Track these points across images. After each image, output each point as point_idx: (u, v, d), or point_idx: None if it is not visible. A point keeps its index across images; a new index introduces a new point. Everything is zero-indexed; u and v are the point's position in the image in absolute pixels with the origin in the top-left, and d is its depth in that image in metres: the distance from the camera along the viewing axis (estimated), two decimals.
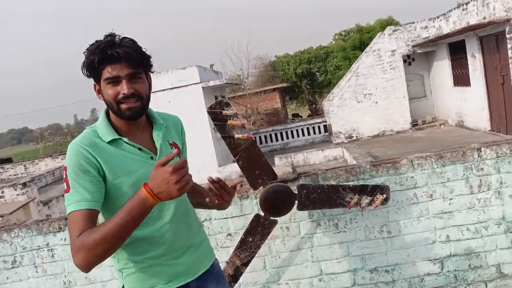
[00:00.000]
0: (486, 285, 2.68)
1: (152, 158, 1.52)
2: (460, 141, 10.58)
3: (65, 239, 2.78)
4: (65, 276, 2.83)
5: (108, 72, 1.42)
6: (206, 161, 12.39)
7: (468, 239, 2.65)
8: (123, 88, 1.43)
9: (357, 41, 23.67)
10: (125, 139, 1.50)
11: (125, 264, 1.52)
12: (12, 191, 10.25)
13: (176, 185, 1.24)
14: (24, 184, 10.24)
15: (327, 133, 15.52)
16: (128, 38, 1.46)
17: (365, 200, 2.43)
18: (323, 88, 28.43)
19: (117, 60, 1.41)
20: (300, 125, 16.25)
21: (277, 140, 16.04)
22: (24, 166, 19.21)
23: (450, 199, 2.61)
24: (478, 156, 2.57)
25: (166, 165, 1.26)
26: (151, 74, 1.60)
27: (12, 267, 2.84)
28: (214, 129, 13.88)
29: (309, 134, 15.99)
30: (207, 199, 1.57)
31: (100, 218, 1.46)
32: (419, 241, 2.66)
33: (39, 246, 2.81)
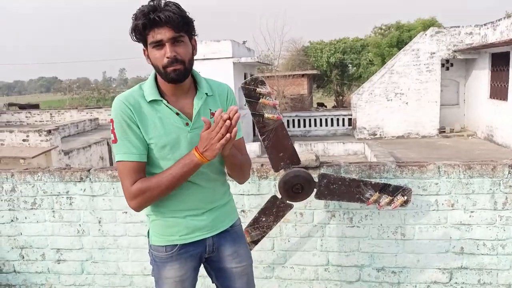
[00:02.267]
0: None
1: (187, 124, 1.57)
2: (487, 155, 10.30)
3: (84, 190, 2.85)
4: (79, 225, 2.92)
5: (152, 36, 1.48)
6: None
7: (482, 254, 2.60)
8: (167, 52, 1.48)
9: (395, 39, 23.04)
10: (165, 102, 1.56)
11: (151, 211, 1.67)
12: (36, 136, 10.55)
13: (216, 143, 1.44)
14: (49, 132, 10.52)
15: (350, 127, 15.33)
16: (172, 2, 1.49)
17: (385, 199, 2.39)
18: (353, 81, 27.96)
19: (160, 24, 1.45)
20: (325, 115, 16.09)
21: (299, 126, 15.95)
22: (50, 114, 19.69)
23: (472, 211, 2.55)
24: (509, 173, 2.49)
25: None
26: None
27: (31, 208, 2.94)
28: (244, 105, 13.86)
29: (332, 125, 15.83)
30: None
31: None
32: (432, 248, 2.62)
33: (59, 192, 2.89)
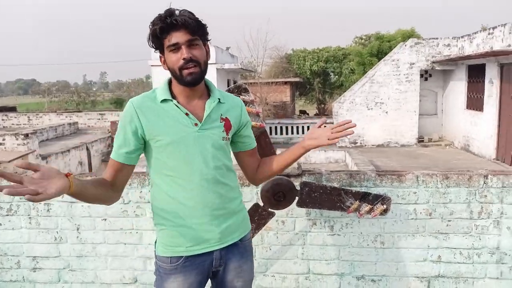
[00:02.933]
0: None
1: (196, 124, 1.61)
2: (463, 165, 10.57)
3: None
4: (57, 232, 2.85)
5: (168, 40, 1.55)
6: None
7: (459, 263, 2.65)
8: (183, 53, 1.54)
9: (375, 49, 23.47)
10: (175, 102, 1.61)
11: (158, 220, 1.68)
12: (13, 139, 10.29)
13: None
14: (26, 135, 10.28)
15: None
16: (186, 9, 1.57)
17: (365, 207, 2.43)
18: (335, 89, 28.31)
19: (176, 28, 1.53)
20: (307, 122, 16.23)
21: (281, 133, 16.04)
22: (28, 117, 19.26)
23: (449, 220, 2.61)
24: (484, 183, 2.56)
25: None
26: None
27: (7, 215, 2.87)
28: None
29: None
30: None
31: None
32: (410, 257, 2.67)
33: None
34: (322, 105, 29.28)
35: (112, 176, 1.62)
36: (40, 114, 19.69)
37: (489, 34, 11.27)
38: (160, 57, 1.62)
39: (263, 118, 19.15)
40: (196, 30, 1.55)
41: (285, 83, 24.79)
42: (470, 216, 2.59)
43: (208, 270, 1.69)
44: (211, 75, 12.96)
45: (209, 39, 1.64)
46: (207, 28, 1.61)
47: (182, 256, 1.63)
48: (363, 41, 28.01)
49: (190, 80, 1.57)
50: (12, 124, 18.84)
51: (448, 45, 13.74)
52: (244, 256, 1.76)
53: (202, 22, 1.58)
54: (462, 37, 13.23)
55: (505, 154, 10.66)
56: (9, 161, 9.42)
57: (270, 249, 2.74)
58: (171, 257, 1.64)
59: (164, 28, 1.52)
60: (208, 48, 1.66)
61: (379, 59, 18.90)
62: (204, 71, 1.60)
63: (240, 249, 1.74)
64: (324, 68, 27.47)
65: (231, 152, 1.79)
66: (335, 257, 2.71)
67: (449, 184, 2.58)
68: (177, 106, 1.60)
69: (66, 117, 18.80)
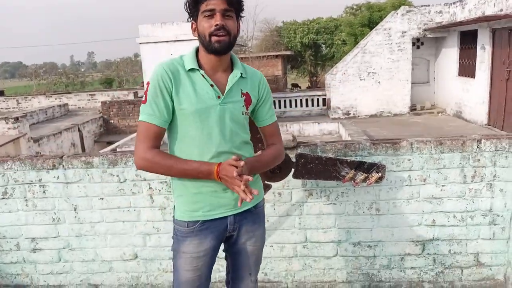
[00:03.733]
0: (462, 271, 2.77)
1: (219, 97, 1.65)
2: (456, 131, 10.65)
3: (57, 177, 2.79)
4: (54, 213, 2.86)
5: (205, 5, 1.58)
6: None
7: (452, 225, 2.71)
8: (217, 19, 1.58)
9: (366, 19, 23.16)
10: (202, 72, 1.65)
11: (177, 186, 1.74)
12: (3, 124, 10.17)
13: (234, 183, 1.56)
14: (16, 119, 10.15)
15: (325, 107, 15.49)
16: None
17: (360, 176, 2.45)
18: (326, 61, 28.07)
19: None
20: (299, 96, 16.15)
21: (274, 107, 15.95)
22: (17, 100, 18.98)
23: (443, 185, 2.65)
24: (477, 147, 2.59)
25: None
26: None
27: (3, 198, 2.86)
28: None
29: (307, 105, 15.93)
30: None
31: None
32: (405, 222, 2.72)
33: (31, 181, 2.82)
34: (314, 78, 29.12)
35: (158, 143, 1.65)
36: (29, 97, 19.38)
37: None
38: (192, 23, 1.66)
39: None
40: (234, 2, 1.60)
41: (276, 56, 24.51)
42: (464, 180, 2.63)
43: (223, 235, 1.77)
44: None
45: (243, 15, 1.68)
46: (243, 5, 1.65)
47: (199, 221, 1.71)
48: (354, 11, 27.59)
49: (218, 48, 1.60)
50: (1, 108, 18.58)
51: (440, 12, 13.59)
52: (257, 222, 1.84)
53: None
54: (454, 3, 13.07)
55: (497, 119, 10.75)
56: (0, 146, 9.33)
57: (267, 220, 2.77)
58: (188, 221, 1.72)
59: None
60: (239, 26, 1.69)
61: (371, 29, 18.70)
62: (232, 43, 1.63)
63: (254, 216, 1.82)
64: (315, 40, 27.14)
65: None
66: (331, 226, 2.75)
67: (443, 150, 2.60)
68: (204, 77, 1.64)
69: (55, 99, 18.54)
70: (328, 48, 27.70)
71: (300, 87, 26.07)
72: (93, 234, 2.87)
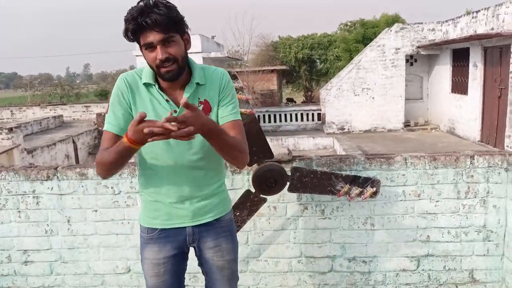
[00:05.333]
0: (457, 287, 2.77)
1: (175, 111, 1.62)
2: (449, 148, 10.74)
3: (52, 189, 2.77)
4: (47, 224, 2.83)
5: (143, 39, 1.52)
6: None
7: (447, 241, 2.72)
8: (158, 54, 1.52)
9: (360, 35, 23.50)
10: (156, 87, 1.63)
11: (141, 192, 1.78)
12: None
13: (144, 136, 1.36)
14: (10, 129, 10.09)
15: (319, 122, 15.56)
16: (161, 2, 1.50)
17: (355, 190, 2.46)
18: (321, 76, 28.32)
19: (149, 28, 1.48)
20: (294, 110, 16.23)
21: (269, 121, 16.02)
22: (11, 111, 18.87)
23: (437, 201, 2.66)
24: (471, 163, 2.61)
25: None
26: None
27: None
28: None
29: (302, 120, 16.01)
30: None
31: None
32: (400, 238, 2.72)
33: (25, 192, 2.79)
34: (309, 93, 29.32)
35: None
36: (23, 108, 19.29)
37: (472, 18, 11.37)
38: (140, 47, 1.58)
39: (251, 106, 19.06)
40: (170, 27, 1.50)
41: (272, 71, 24.71)
42: (458, 196, 2.65)
43: (183, 245, 1.77)
44: None
45: (186, 30, 1.59)
46: (184, 20, 1.56)
47: (157, 228, 1.74)
48: (348, 27, 27.99)
49: (168, 78, 1.57)
50: None
51: (433, 29, 13.83)
52: (222, 236, 1.80)
53: (177, 15, 1.52)
54: (446, 21, 13.32)
55: (489, 136, 10.86)
56: None
57: (262, 234, 2.77)
58: (148, 227, 1.76)
59: (135, 29, 1.50)
60: (188, 36, 1.62)
61: (365, 45, 18.95)
62: (182, 66, 1.58)
63: (217, 229, 1.78)
64: (309, 56, 27.43)
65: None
66: (326, 240, 2.74)
67: (436, 165, 2.63)
68: (159, 92, 1.62)
69: (50, 110, 18.48)
70: (323, 64, 27.99)
71: (295, 102, 26.22)
72: (86, 247, 2.84)
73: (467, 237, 2.70)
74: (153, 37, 1.49)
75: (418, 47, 13.87)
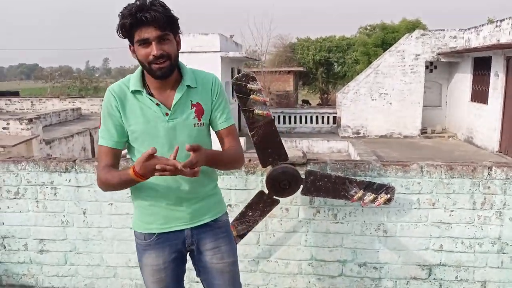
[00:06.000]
0: None
1: (167, 114, 1.63)
2: (466, 157, 10.56)
3: (69, 180, 2.83)
4: (63, 215, 2.90)
5: (138, 35, 1.53)
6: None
7: (460, 252, 2.69)
8: (153, 50, 1.54)
9: (380, 39, 23.28)
10: (145, 93, 1.63)
11: (134, 198, 1.76)
12: (17, 124, 10.32)
13: (153, 172, 1.46)
14: (30, 120, 10.30)
15: (335, 125, 15.49)
16: (157, 1, 1.54)
17: (369, 196, 2.45)
18: (338, 79, 28.15)
19: (146, 24, 1.51)
20: (310, 112, 16.19)
21: (284, 123, 16.02)
22: (31, 102, 19.25)
23: (452, 210, 2.63)
24: (488, 174, 2.58)
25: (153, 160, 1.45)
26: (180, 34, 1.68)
27: (14, 198, 2.90)
28: (233, 99, 13.78)
29: (317, 122, 15.96)
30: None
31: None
32: (413, 245, 2.70)
33: (43, 182, 2.86)
34: (325, 95, 29.17)
35: (112, 162, 1.67)
36: (43, 99, 19.67)
37: (496, 26, 11.17)
38: (130, 46, 1.61)
39: None
40: (166, 25, 1.54)
41: (289, 72, 24.67)
42: (473, 207, 2.62)
43: (182, 248, 1.76)
44: (215, 63, 12.92)
45: (180, 32, 1.63)
46: (178, 21, 1.60)
47: (155, 233, 1.72)
48: (367, 31, 27.76)
49: (160, 75, 1.58)
50: (16, 109, 18.85)
51: (455, 37, 13.63)
52: (220, 237, 1.79)
53: (174, 15, 1.56)
54: (469, 29, 13.12)
55: (508, 147, 10.65)
56: (13, 146, 9.47)
57: (273, 235, 2.78)
58: (145, 233, 1.73)
59: (133, 23, 1.51)
60: (179, 39, 1.65)
61: (384, 49, 18.77)
62: (174, 64, 1.60)
63: (215, 230, 1.78)
64: (327, 58, 27.29)
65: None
66: (338, 245, 2.74)
67: (453, 175, 2.60)
68: (148, 97, 1.62)
69: (69, 102, 18.80)
70: (340, 67, 27.81)
71: (310, 104, 26.13)
72: (100, 239, 2.90)
73: (481, 248, 2.67)
74: (149, 33, 1.51)
75: (439, 54, 13.69)
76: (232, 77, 15.22)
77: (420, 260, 2.72)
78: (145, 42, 1.53)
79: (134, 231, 1.77)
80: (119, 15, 1.54)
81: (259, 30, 28.51)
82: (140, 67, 1.66)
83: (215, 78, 1.75)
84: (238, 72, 16.62)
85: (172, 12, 1.57)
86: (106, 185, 1.65)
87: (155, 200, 1.69)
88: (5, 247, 2.99)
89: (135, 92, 1.63)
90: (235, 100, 2.32)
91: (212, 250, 1.76)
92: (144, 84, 1.64)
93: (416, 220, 2.66)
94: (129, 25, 1.51)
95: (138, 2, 1.51)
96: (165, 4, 1.55)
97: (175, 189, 1.68)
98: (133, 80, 1.65)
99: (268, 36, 23.72)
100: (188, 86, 1.66)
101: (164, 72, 1.57)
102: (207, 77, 1.74)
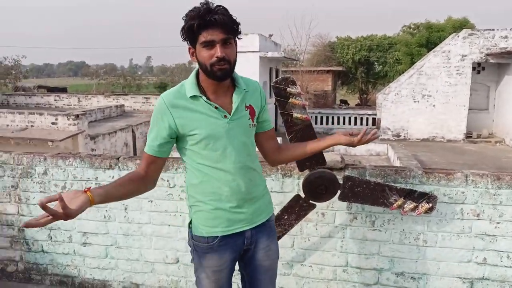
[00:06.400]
0: None
1: (225, 116, 1.69)
2: None
3: (112, 177, 2.94)
4: (106, 211, 3.01)
5: (204, 36, 1.58)
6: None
7: (506, 266, 2.55)
8: (217, 52, 1.59)
9: (424, 39, 22.50)
10: (204, 98, 1.68)
11: (194, 202, 1.78)
12: (65, 120, 10.85)
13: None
14: (77, 116, 10.79)
15: (374, 127, 15.13)
16: (222, 6, 1.60)
17: (410, 205, 2.38)
18: (378, 79, 27.50)
19: (213, 26, 1.57)
20: (348, 113, 15.93)
21: (321, 123, 15.85)
22: (78, 98, 20.13)
23: (498, 222, 2.51)
24: None
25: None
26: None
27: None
28: (272, 100, 13.83)
29: (355, 124, 15.67)
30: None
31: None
32: (454, 257, 2.60)
33: (89, 178, 2.99)
34: (365, 95, 28.59)
35: (144, 169, 1.73)
36: (89, 96, 20.52)
37: None
38: (189, 48, 1.66)
39: None
40: (231, 29, 1.60)
41: (327, 71, 24.36)
42: None
43: (241, 248, 1.81)
44: (254, 63, 12.98)
45: (240, 37, 1.69)
46: (240, 29, 1.66)
47: (218, 236, 1.75)
48: (411, 30, 26.92)
49: (220, 76, 1.62)
50: (64, 104, 19.80)
51: (506, 37, 12.94)
52: (271, 236, 1.89)
53: (237, 21, 1.62)
54: None
55: None
56: (61, 140, 9.96)
57: (308, 240, 2.76)
58: (207, 237, 1.75)
59: (201, 24, 1.56)
60: (237, 45, 1.70)
61: (429, 49, 18.13)
62: (233, 68, 1.66)
63: (268, 229, 1.87)
64: (367, 57, 26.71)
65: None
66: (375, 252, 2.68)
67: (500, 185, 2.48)
68: (207, 102, 1.67)
69: (113, 99, 19.50)
70: (381, 66, 27.14)
71: (348, 104, 25.69)
72: (139, 235, 2.99)
73: None
74: (216, 35, 1.57)
75: (488, 54, 13.05)
76: (270, 77, 15.23)
77: (461, 273, 2.61)
78: (210, 44, 1.58)
79: (194, 234, 1.79)
80: (183, 17, 1.60)
81: (298, 29, 28.26)
82: (193, 73, 1.72)
83: (259, 85, 1.88)
84: (276, 72, 16.61)
85: (235, 18, 1.63)
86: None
87: (219, 204, 1.73)
88: (51, 238, 3.16)
89: (193, 97, 1.67)
90: (273, 102, 2.32)
91: (265, 249, 1.84)
92: (200, 89, 1.69)
93: (459, 231, 2.56)
94: (196, 26, 1.56)
95: (205, 6, 1.57)
96: (228, 10, 1.62)
97: (237, 191, 1.73)
98: (189, 86, 1.69)
99: (308, 35, 23.56)
100: (244, 90, 1.75)
101: (224, 74, 1.63)
102: (254, 83, 1.84)
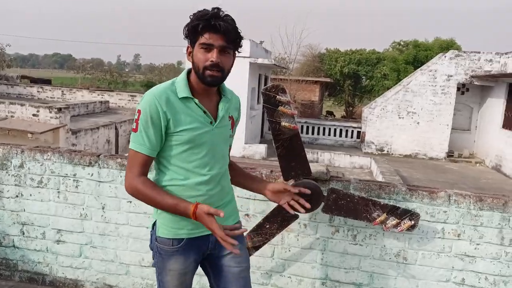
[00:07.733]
0: None
1: (211, 123, 1.71)
2: (493, 185, 10.22)
3: (92, 175, 2.86)
4: (83, 208, 2.92)
5: (205, 38, 1.59)
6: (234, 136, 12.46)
7: None
8: (213, 56, 1.60)
9: (411, 56, 22.94)
10: (196, 101, 1.68)
11: None
12: (47, 112, 10.61)
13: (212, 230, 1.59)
14: (59, 109, 10.57)
15: (358, 140, 15.28)
16: (230, 16, 1.62)
17: (392, 221, 2.37)
18: (365, 93, 27.88)
19: (216, 31, 1.58)
20: (334, 125, 16.04)
21: (307, 133, 15.91)
22: (62, 91, 19.78)
23: (478, 244, 2.52)
24: None
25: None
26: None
27: (37, 187, 2.95)
28: (251, 108, 13.85)
29: (340, 135, 15.78)
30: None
31: None
32: (433, 276, 2.60)
33: (67, 174, 2.90)
34: (351, 108, 28.90)
35: (142, 172, 1.67)
36: (73, 89, 20.19)
37: None
38: (187, 47, 1.68)
39: None
40: (233, 40, 1.62)
41: (315, 82, 24.55)
42: (501, 242, 2.50)
43: (204, 251, 1.81)
44: (243, 69, 12.95)
45: (240, 51, 1.70)
46: (242, 43, 1.68)
47: (184, 239, 1.73)
48: (400, 47, 27.41)
49: (210, 82, 1.63)
50: (47, 96, 19.41)
51: (490, 60, 13.27)
52: (239, 241, 1.79)
53: (240, 34, 1.64)
54: (506, 53, 12.75)
55: None
56: (41, 133, 9.73)
57: (289, 250, 2.72)
58: (173, 239, 1.73)
59: (205, 26, 1.57)
60: (235, 57, 1.71)
61: (415, 67, 18.49)
62: (224, 78, 1.67)
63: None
64: (355, 71, 27.07)
65: None
66: (355, 267, 2.66)
67: (482, 206, 2.49)
68: (197, 105, 1.67)
69: (98, 95, 19.22)
70: (368, 80, 27.54)
71: (334, 116, 25.93)
72: (116, 235, 2.91)
73: (506, 286, 2.54)
74: (216, 40, 1.58)
75: (472, 76, 13.36)
76: (259, 83, 15.23)
77: None
78: (208, 47, 1.59)
79: (157, 237, 1.74)
80: (190, 16, 1.61)
81: (290, 38, 28.48)
82: (184, 73, 1.72)
83: (240, 101, 1.92)
84: (265, 79, 16.63)
85: (240, 31, 1.64)
86: (145, 199, 1.66)
87: None
88: (23, 233, 3.04)
89: (183, 98, 1.65)
90: (256, 108, 2.28)
91: (231, 254, 1.80)
92: (191, 91, 1.68)
93: (439, 250, 2.56)
94: (201, 27, 1.57)
95: (215, 10, 1.59)
96: (235, 21, 1.63)
97: (209, 197, 1.72)
98: (180, 87, 1.67)
99: (298, 45, 23.63)
100: (229, 100, 1.78)
101: (214, 81, 1.63)
102: (236, 97, 1.88)
